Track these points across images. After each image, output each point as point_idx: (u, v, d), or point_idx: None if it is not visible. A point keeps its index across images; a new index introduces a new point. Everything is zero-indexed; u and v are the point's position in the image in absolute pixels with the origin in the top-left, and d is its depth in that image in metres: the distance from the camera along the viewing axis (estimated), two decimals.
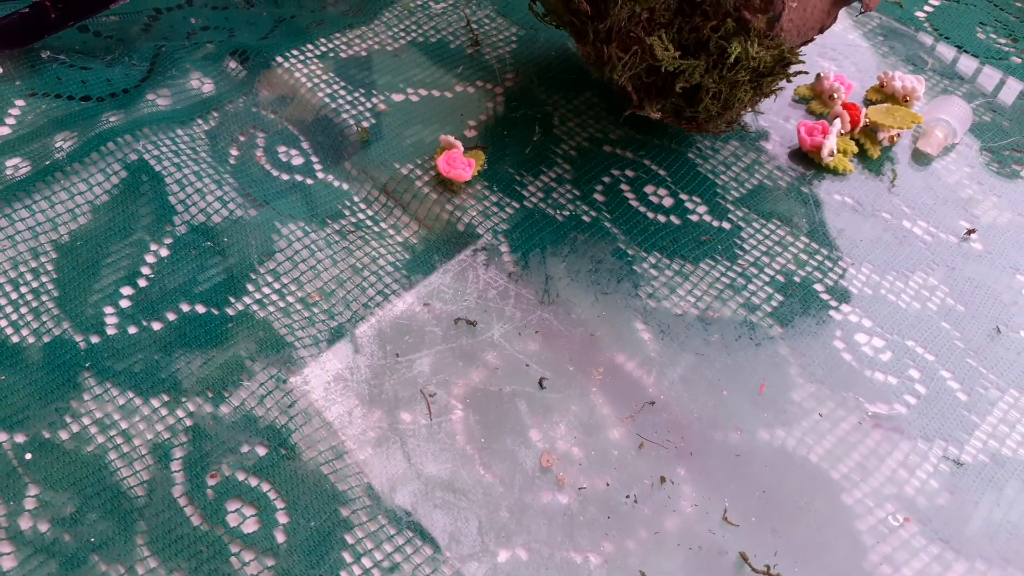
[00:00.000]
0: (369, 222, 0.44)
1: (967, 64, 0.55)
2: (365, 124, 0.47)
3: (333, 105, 0.48)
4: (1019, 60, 0.56)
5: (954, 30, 0.58)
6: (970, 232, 0.45)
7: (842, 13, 0.51)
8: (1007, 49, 0.57)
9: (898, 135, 0.48)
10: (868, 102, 0.51)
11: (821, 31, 0.40)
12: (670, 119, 0.41)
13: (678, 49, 0.37)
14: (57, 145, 0.45)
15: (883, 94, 0.51)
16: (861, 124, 0.48)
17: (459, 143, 0.46)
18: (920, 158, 0.48)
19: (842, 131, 0.47)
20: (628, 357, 0.39)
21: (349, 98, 0.49)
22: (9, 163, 0.44)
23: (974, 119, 0.51)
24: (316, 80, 0.49)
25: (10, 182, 0.43)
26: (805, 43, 0.40)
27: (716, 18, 0.36)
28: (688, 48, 0.37)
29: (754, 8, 0.36)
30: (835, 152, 0.46)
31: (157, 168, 0.44)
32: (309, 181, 0.45)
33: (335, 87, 0.49)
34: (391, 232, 0.43)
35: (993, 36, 0.58)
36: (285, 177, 0.45)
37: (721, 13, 0.36)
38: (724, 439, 0.36)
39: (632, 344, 0.39)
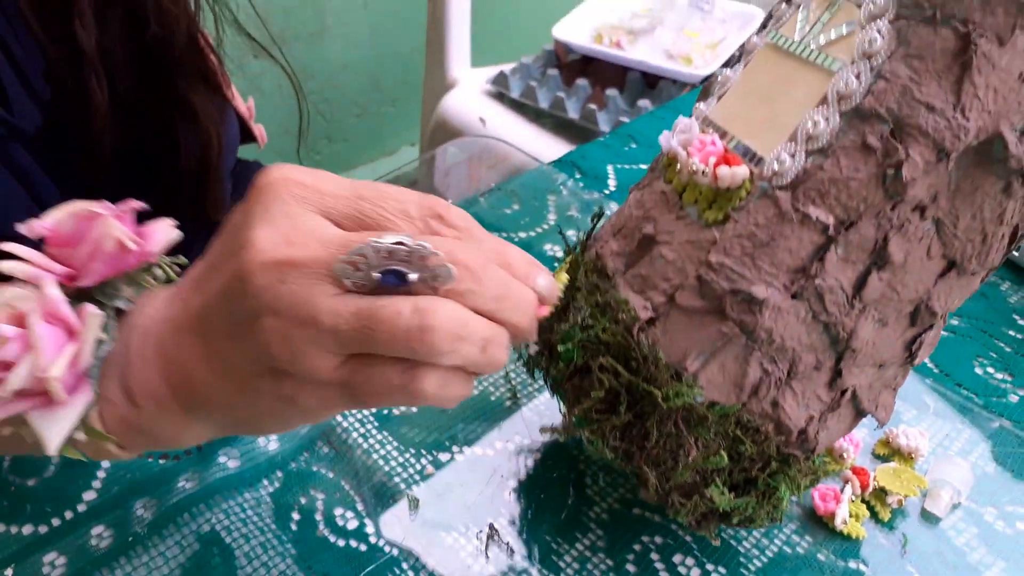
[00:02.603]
0: None
1: (967, 406, 0.59)
2: (415, 488, 0.52)
3: (386, 468, 0.53)
4: (1016, 398, 0.60)
5: (953, 365, 0.63)
6: None
7: None
8: (1004, 386, 0.61)
9: (906, 496, 0.52)
10: (876, 456, 0.55)
11: (841, 436, 0.46)
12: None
13: (731, 490, 0.42)
14: (138, 514, 0.50)
15: (890, 448, 0.55)
16: (871, 488, 0.52)
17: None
18: (929, 518, 0.52)
19: (853, 497, 0.51)
20: None
21: (400, 459, 0.54)
22: (94, 531, 0.49)
23: (980, 468, 0.54)
24: (371, 440, 0.55)
25: (95, 554, 0.48)
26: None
27: (761, 461, 0.42)
28: (739, 486, 0.43)
29: (793, 446, 0.42)
30: (847, 519, 0.50)
31: (227, 540, 0.49)
32: (363, 547, 0.49)
33: (388, 448, 0.54)
34: None
35: (990, 371, 0.62)
36: (341, 543, 0.49)
37: (766, 458, 0.42)
38: None
39: None
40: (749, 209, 0.41)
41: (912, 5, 0.39)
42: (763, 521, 0.45)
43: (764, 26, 0.48)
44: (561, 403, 0.47)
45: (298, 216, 0.34)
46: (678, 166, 0.44)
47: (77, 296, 0.38)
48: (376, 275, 0.32)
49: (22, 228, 0.38)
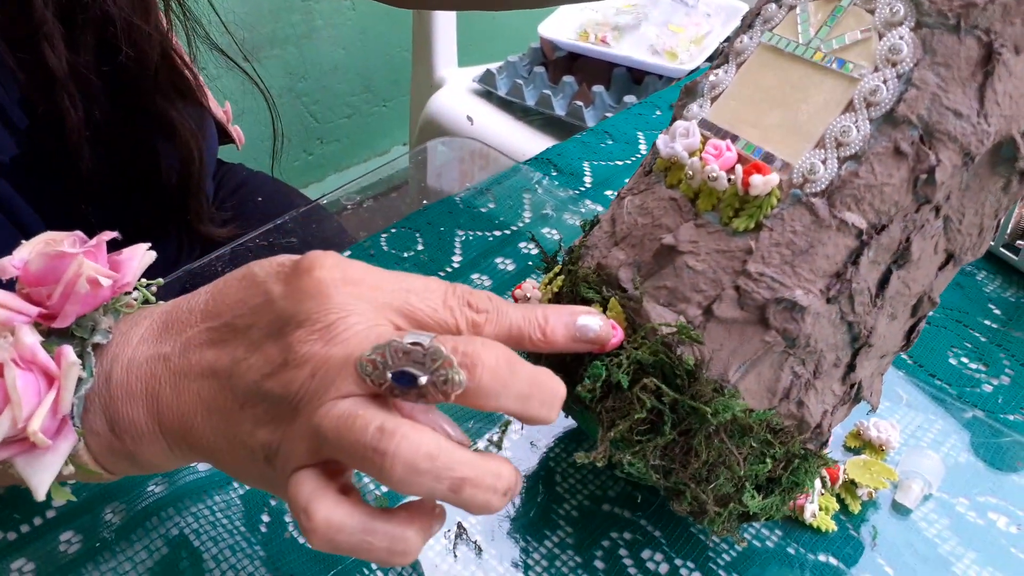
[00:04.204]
0: None
1: (940, 396, 0.59)
2: (384, 488, 0.52)
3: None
4: (990, 388, 0.60)
5: (927, 356, 0.62)
6: None
7: None
8: (978, 376, 0.61)
9: (876, 489, 0.52)
10: (847, 448, 0.55)
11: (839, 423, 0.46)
12: None
13: (759, 491, 0.42)
14: (107, 519, 0.50)
15: (860, 440, 0.55)
16: (841, 480, 0.52)
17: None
18: (899, 509, 0.52)
19: (822, 491, 0.51)
20: None
21: None
22: (63, 537, 0.49)
23: (952, 458, 0.54)
24: None
25: (64, 560, 0.48)
26: None
27: (785, 460, 0.42)
28: (762, 486, 0.43)
29: (810, 440, 0.43)
30: (817, 513, 0.50)
31: (196, 543, 0.49)
32: None
33: None
34: None
35: (965, 360, 0.62)
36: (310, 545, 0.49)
37: (790, 456, 0.42)
38: None
39: None
40: (783, 217, 0.41)
41: (936, 14, 0.40)
42: (781, 515, 0.45)
43: (750, 26, 0.48)
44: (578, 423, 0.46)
45: (350, 315, 0.35)
46: (687, 172, 0.43)
47: (53, 333, 0.37)
48: (389, 375, 0.32)
49: None
